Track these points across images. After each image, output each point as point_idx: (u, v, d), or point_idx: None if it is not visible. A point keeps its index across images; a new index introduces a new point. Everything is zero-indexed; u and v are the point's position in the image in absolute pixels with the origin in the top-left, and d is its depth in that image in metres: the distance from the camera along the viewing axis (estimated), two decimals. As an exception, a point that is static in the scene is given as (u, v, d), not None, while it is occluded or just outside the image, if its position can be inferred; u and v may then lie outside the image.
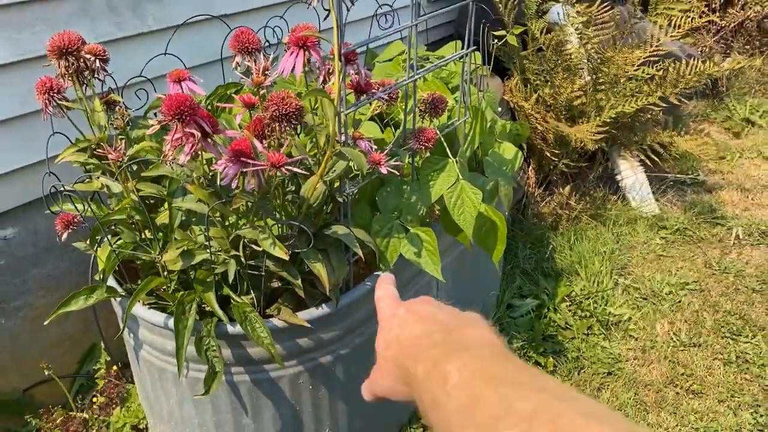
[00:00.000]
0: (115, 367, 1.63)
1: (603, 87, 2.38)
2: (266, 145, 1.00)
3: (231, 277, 1.11)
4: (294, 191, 1.15)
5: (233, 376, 1.20)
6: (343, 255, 1.18)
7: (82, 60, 1.10)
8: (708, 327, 1.99)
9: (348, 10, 0.97)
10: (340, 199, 1.15)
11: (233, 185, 0.99)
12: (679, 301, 2.10)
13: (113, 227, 1.24)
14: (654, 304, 2.09)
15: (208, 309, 1.14)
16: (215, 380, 1.10)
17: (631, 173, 2.62)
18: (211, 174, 1.07)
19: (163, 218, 1.18)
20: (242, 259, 1.10)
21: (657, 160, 2.64)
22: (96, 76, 1.13)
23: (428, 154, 1.29)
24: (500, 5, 2.30)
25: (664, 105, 2.37)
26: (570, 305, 2.07)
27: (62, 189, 1.14)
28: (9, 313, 1.52)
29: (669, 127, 2.65)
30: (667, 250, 2.37)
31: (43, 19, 1.38)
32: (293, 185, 1.15)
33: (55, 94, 1.10)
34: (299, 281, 1.11)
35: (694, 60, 2.34)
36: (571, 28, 2.34)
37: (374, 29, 1.21)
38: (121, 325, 1.20)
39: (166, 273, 1.18)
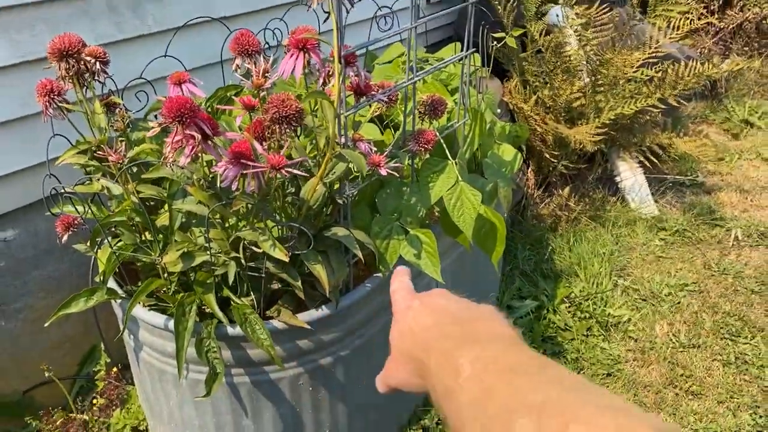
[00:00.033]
0: (115, 369, 1.64)
1: (602, 89, 2.39)
2: (266, 147, 1.00)
3: (231, 279, 1.11)
4: (294, 193, 1.15)
5: (233, 377, 1.20)
6: (343, 257, 1.18)
7: (82, 62, 1.10)
8: (707, 328, 1.99)
9: (348, 12, 0.97)
10: (340, 201, 1.15)
11: (233, 187, 0.99)
12: (679, 303, 2.10)
13: (113, 229, 1.24)
14: (653, 305, 2.09)
15: (208, 311, 1.14)
16: (216, 382, 1.10)
17: (630, 174, 2.63)
18: (211, 176, 1.08)
19: (163, 220, 1.18)
20: (242, 261, 1.11)
21: (656, 161, 2.65)
22: (96, 78, 1.13)
23: (428, 155, 1.30)
24: (499, 7, 2.30)
25: (663, 106, 2.37)
26: (569, 306, 2.07)
27: (63, 191, 1.15)
28: (9, 314, 1.52)
29: (668, 128, 2.65)
30: (667, 251, 2.37)
31: (42, 21, 1.38)
32: (293, 187, 1.16)
33: (55, 97, 1.10)
34: (299, 283, 1.11)
35: (692, 62, 2.34)
36: (570, 29, 2.34)
37: (374, 31, 1.22)
38: (122, 327, 1.20)
39: (166, 275, 1.18)
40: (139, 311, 1.18)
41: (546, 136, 2.41)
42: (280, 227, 1.15)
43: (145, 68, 1.36)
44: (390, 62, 1.80)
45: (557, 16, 2.39)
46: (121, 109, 1.22)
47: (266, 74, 1.03)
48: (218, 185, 1.07)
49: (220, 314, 1.11)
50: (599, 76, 2.36)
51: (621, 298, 2.13)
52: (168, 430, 1.38)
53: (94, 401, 1.61)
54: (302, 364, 1.22)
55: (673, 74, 2.33)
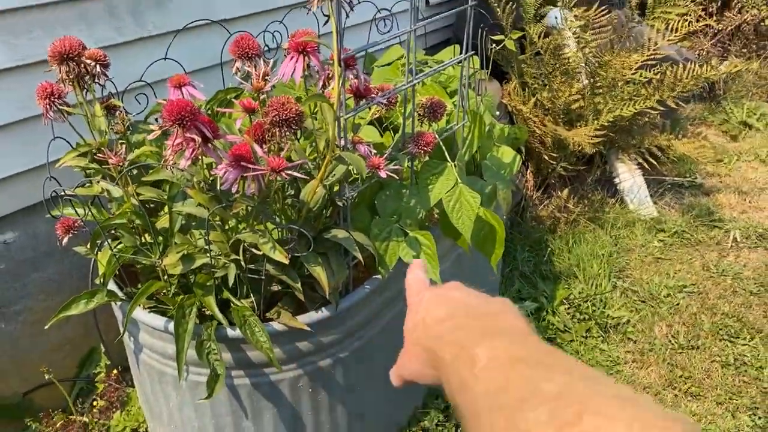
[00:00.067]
0: (115, 371, 1.64)
1: (601, 91, 2.39)
2: (266, 149, 1.01)
3: (231, 281, 1.11)
4: (294, 195, 1.15)
5: (233, 379, 1.21)
6: (343, 259, 1.19)
7: (82, 65, 1.10)
8: (706, 329, 1.99)
9: (347, 15, 0.98)
10: (340, 203, 1.15)
11: (233, 190, 1.00)
12: (677, 304, 2.11)
13: (113, 231, 1.24)
14: (652, 306, 2.10)
15: (208, 313, 1.15)
16: (218, 383, 1.10)
17: (629, 176, 2.63)
18: (211, 178, 1.08)
19: (163, 222, 1.19)
20: (242, 263, 1.11)
21: (655, 163, 2.65)
22: (96, 81, 1.14)
23: (427, 158, 1.30)
24: (498, 10, 2.31)
25: (662, 108, 2.38)
26: (568, 308, 2.08)
27: (63, 193, 1.15)
28: (9, 317, 1.52)
29: (666, 130, 2.66)
30: (665, 252, 2.38)
31: (41, 25, 1.38)
32: (293, 189, 1.16)
33: (55, 99, 1.10)
34: (299, 285, 1.12)
35: (691, 64, 2.35)
36: (568, 32, 2.35)
37: (373, 33, 1.22)
38: (122, 329, 1.21)
39: (166, 277, 1.18)
40: (140, 313, 1.19)
41: (545, 138, 2.41)
42: (280, 229, 1.15)
43: (145, 71, 1.37)
44: (389, 65, 1.81)
45: (556, 18, 2.40)
46: (121, 111, 1.22)
47: (266, 77, 1.03)
48: (218, 188, 1.07)
49: (220, 316, 1.12)
50: (598, 78, 2.37)
51: (620, 299, 2.13)
52: (168, 432, 1.38)
53: (94, 403, 1.61)
54: (302, 366, 1.23)
55: (671, 76, 2.34)
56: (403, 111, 1.27)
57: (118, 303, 1.24)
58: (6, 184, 1.44)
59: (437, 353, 0.43)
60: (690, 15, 2.74)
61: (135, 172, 1.20)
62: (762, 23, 3.76)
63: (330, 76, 1.07)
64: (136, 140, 1.27)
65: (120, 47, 1.53)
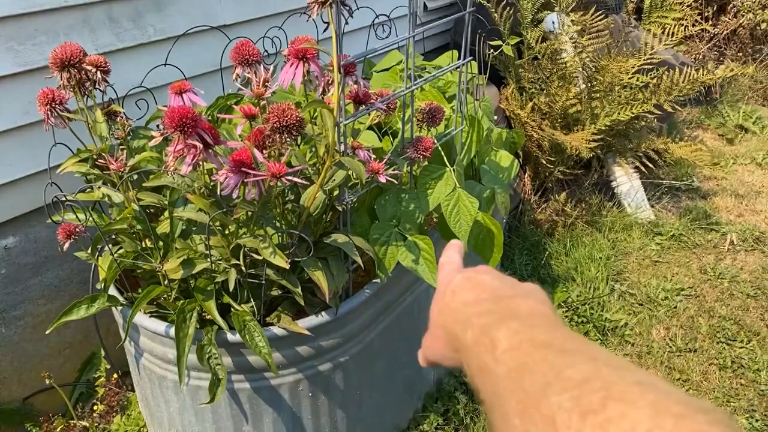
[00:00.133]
0: (115, 375, 1.64)
1: (598, 95, 2.41)
2: (266, 155, 1.02)
3: (231, 286, 1.12)
4: (294, 200, 1.16)
5: (233, 383, 1.21)
6: (343, 263, 1.19)
7: (83, 72, 1.11)
8: (703, 332, 2.00)
9: (346, 22, 0.99)
10: (340, 208, 1.16)
11: (234, 195, 1.00)
12: (675, 307, 2.12)
13: (114, 236, 1.25)
14: (650, 309, 2.11)
15: (208, 317, 1.15)
16: (219, 388, 1.11)
17: (626, 180, 2.64)
18: (211, 184, 1.09)
19: (163, 227, 1.19)
20: (242, 268, 1.12)
21: (652, 166, 2.67)
22: (97, 86, 1.14)
23: (426, 162, 1.31)
24: (496, 15, 2.32)
25: (659, 112, 2.40)
26: (566, 311, 2.09)
27: (64, 199, 1.16)
28: (9, 322, 1.52)
29: (663, 134, 2.67)
30: (663, 256, 2.39)
31: (43, 31, 1.39)
32: (293, 194, 1.17)
33: (57, 106, 1.11)
34: (299, 289, 1.12)
35: (687, 68, 2.37)
36: (566, 36, 2.36)
37: (372, 38, 1.23)
38: (123, 335, 1.21)
39: (166, 282, 1.19)
40: (140, 318, 1.19)
41: (542, 142, 2.43)
42: (280, 234, 1.16)
43: (145, 77, 1.38)
44: (387, 69, 1.82)
45: (553, 23, 2.41)
46: (121, 117, 1.23)
47: (266, 84, 1.04)
48: (219, 193, 1.08)
49: (220, 321, 1.12)
50: (595, 83, 2.38)
51: (618, 302, 2.14)
52: (168, 437, 1.38)
53: (94, 408, 1.62)
54: (302, 370, 1.23)
55: (668, 80, 2.35)
56: (402, 116, 1.28)
57: (119, 308, 1.24)
58: (7, 189, 1.45)
59: (459, 337, 0.43)
60: (686, 19, 2.76)
61: (135, 177, 1.21)
62: (757, 27, 3.79)
63: (329, 81, 1.08)
64: (137, 146, 1.28)
65: (120, 53, 1.53)
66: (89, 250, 1.22)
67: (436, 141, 1.29)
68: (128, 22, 1.53)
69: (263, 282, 1.12)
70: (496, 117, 2.10)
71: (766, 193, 2.81)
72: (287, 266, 1.03)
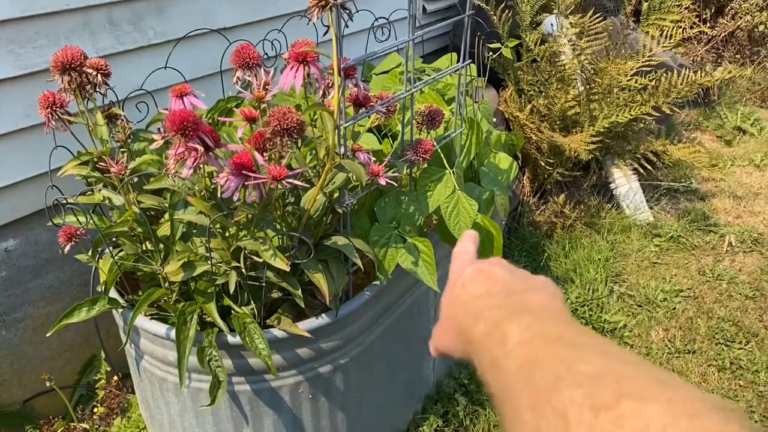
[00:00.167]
0: (115, 378, 1.64)
1: (596, 97, 2.41)
2: (267, 157, 1.02)
3: (232, 288, 1.12)
4: (294, 203, 1.16)
5: (234, 386, 1.21)
6: (343, 265, 1.20)
7: (84, 75, 1.12)
8: (702, 334, 2.01)
9: (346, 25, 0.99)
10: (340, 210, 1.16)
11: (235, 197, 1.01)
12: (674, 308, 2.12)
13: (115, 239, 1.25)
14: (649, 311, 2.11)
15: (209, 320, 1.16)
16: (220, 390, 1.11)
17: (624, 181, 2.65)
18: (212, 186, 1.09)
19: (164, 230, 1.20)
20: (243, 270, 1.12)
21: (650, 168, 2.68)
22: (98, 89, 1.15)
23: (426, 165, 1.31)
24: (495, 18, 2.33)
25: (657, 114, 2.40)
26: (566, 313, 2.09)
27: (65, 201, 1.16)
28: (10, 324, 1.52)
29: (662, 135, 2.68)
30: (661, 257, 2.40)
31: (44, 34, 1.39)
32: (293, 197, 1.17)
33: (57, 109, 1.12)
34: (299, 291, 1.12)
35: (685, 70, 2.37)
36: (564, 39, 2.37)
37: (371, 41, 1.24)
38: (124, 338, 1.21)
39: (167, 284, 1.19)
40: (141, 321, 1.19)
41: (541, 144, 2.43)
42: (280, 237, 1.16)
43: (145, 80, 1.38)
44: (387, 72, 1.82)
45: (552, 25, 2.42)
46: (122, 120, 1.24)
47: (267, 87, 1.04)
48: (219, 196, 1.08)
49: (221, 323, 1.12)
50: (593, 85, 2.39)
51: (617, 304, 2.14)
52: (168, 439, 1.39)
53: (95, 410, 1.62)
54: (302, 372, 1.23)
55: (666, 82, 2.36)
56: (401, 119, 1.29)
57: (120, 310, 1.25)
58: (8, 192, 1.45)
59: (469, 329, 0.43)
60: (684, 22, 2.77)
61: (136, 180, 1.21)
62: (755, 29, 3.80)
63: (330, 84, 1.09)
64: (137, 148, 1.28)
65: (121, 56, 1.54)
66: (90, 253, 1.22)
67: (435, 143, 1.29)
68: (128, 25, 1.53)
69: (263, 284, 1.12)
70: (495, 119, 2.11)
71: (764, 195, 2.81)
72: (288, 268, 1.03)
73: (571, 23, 2.35)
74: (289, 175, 0.97)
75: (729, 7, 3.85)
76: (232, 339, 1.15)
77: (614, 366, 0.32)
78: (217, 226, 1.12)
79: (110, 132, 1.21)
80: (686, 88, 2.33)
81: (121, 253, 1.22)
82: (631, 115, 2.35)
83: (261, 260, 1.06)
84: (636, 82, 2.38)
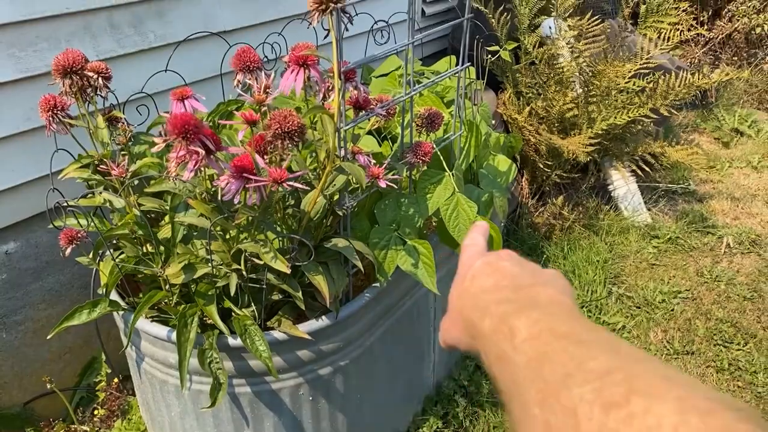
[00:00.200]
0: (116, 380, 1.64)
1: (594, 99, 2.42)
2: (267, 160, 1.03)
3: (232, 291, 1.12)
4: (294, 205, 1.17)
5: (235, 388, 1.22)
6: (343, 267, 1.20)
7: (85, 78, 1.12)
8: (700, 335, 2.02)
9: (346, 29, 1.00)
10: (340, 213, 1.17)
11: (235, 200, 1.01)
12: (672, 310, 2.13)
13: (115, 242, 1.26)
14: (647, 312, 2.12)
15: (209, 322, 1.16)
16: (220, 392, 1.11)
17: (623, 183, 2.66)
18: (213, 189, 1.10)
19: (165, 233, 1.20)
20: (243, 273, 1.12)
21: (648, 170, 2.68)
22: (99, 93, 1.15)
23: (425, 167, 1.32)
24: (493, 21, 2.34)
25: (655, 116, 2.41)
26: (565, 314, 2.09)
27: (66, 204, 1.16)
28: (10, 326, 1.53)
29: (660, 137, 2.69)
30: (660, 258, 2.40)
31: (45, 38, 1.40)
32: (293, 199, 1.18)
33: (58, 112, 1.12)
34: (300, 293, 1.13)
35: (683, 72, 2.38)
36: (562, 41, 2.38)
37: (371, 43, 1.25)
38: (125, 340, 1.22)
39: (168, 286, 1.20)
40: (142, 323, 1.20)
41: (539, 147, 2.44)
42: (280, 239, 1.17)
43: (146, 83, 1.39)
44: (386, 75, 1.83)
45: (550, 28, 2.43)
46: (123, 123, 1.24)
47: (267, 90, 1.05)
48: (220, 198, 1.08)
49: (221, 325, 1.13)
50: (592, 87, 2.40)
51: (615, 305, 2.15)
52: (169, 441, 1.39)
53: (95, 412, 1.62)
54: (302, 374, 1.24)
55: (664, 84, 2.37)
56: (401, 121, 1.30)
57: (121, 313, 1.25)
58: (9, 195, 1.45)
59: (475, 323, 0.43)
60: (682, 24, 2.79)
61: (137, 182, 1.21)
62: (752, 32, 3.81)
63: (330, 87, 1.09)
64: (138, 151, 1.29)
65: (121, 59, 1.54)
66: (91, 255, 1.22)
67: (435, 146, 1.30)
68: (129, 28, 1.54)
69: (264, 286, 1.13)
70: (493, 122, 2.12)
71: (761, 196, 2.83)
72: (288, 271, 1.04)
73: (569, 26, 2.36)
74: (290, 178, 0.97)
75: (726, 10, 3.86)
76: (232, 341, 1.15)
77: (624, 363, 0.32)
78: (218, 228, 1.12)
79: (111, 135, 1.22)
80: (684, 90, 2.34)
81: (122, 256, 1.23)
82: (629, 117, 2.36)
83: (261, 262, 1.07)
84: (634, 85, 2.39)
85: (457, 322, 0.48)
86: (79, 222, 1.21)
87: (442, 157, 1.35)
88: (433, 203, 1.31)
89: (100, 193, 1.21)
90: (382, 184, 1.14)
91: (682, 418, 0.27)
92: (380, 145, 1.47)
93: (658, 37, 2.46)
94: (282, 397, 1.24)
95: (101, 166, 1.17)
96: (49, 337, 1.18)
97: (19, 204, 1.48)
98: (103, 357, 1.66)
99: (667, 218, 2.66)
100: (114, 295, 1.26)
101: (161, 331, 1.18)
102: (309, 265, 1.11)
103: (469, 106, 1.59)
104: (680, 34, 2.43)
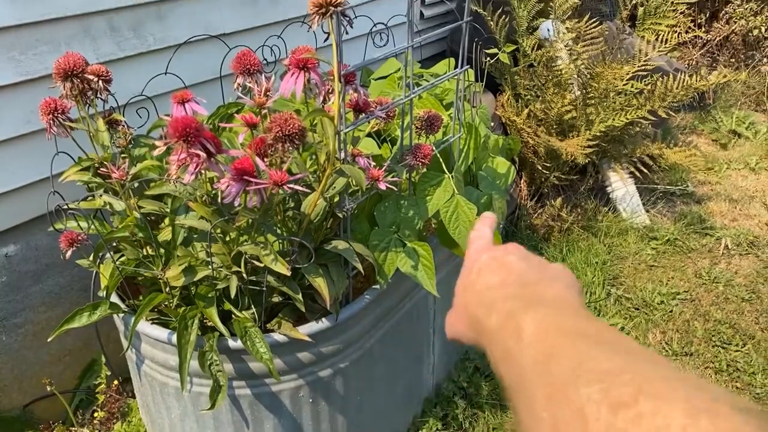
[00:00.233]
0: (116, 382, 1.65)
1: (593, 101, 2.43)
2: (268, 163, 1.03)
3: (233, 293, 1.13)
4: (294, 207, 1.17)
5: (235, 390, 1.22)
6: (343, 269, 1.21)
7: (85, 81, 1.12)
8: (699, 336, 2.02)
9: (346, 32, 1.00)
10: (340, 215, 1.17)
11: (236, 203, 1.01)
12: (671, 311, 2.13)
13: (116, 244, 1.26)
14: (646, 314, 2.12)
15: (209, 324, 1.16)
16: (220, 394, 1.11)
17: (621, 185, 2.67)
18: (213, 192, 1.10)
19: (165, 235, 1.20)
20: (244, 275, 1.13)
21: (647, 172, 2.69)
22: (99, 95, 1.16)
23: (425, 169, 1.32)
24: (492, 23, 2.34)
25: (653, 118, 2.42)
26: (564, 316, 2.10)
27: (66, 207, 1.17)
28: (10, 329, 1.53)
29: (658, 139, 2.70)
30: (658, 260, 2.41)
31: (45, 41, 1.40)
32: (293, 201, 1.18)
33: (59, 115, 1.12)
34: (300, 296, 1.13)
35: (681, 74, 2.39)
36: (561, 44, 2.39)
37: (370, 46, 1.25)
38: (125, 343, 1.22)
39: (168, 289, 1.20)
40: (142, 325, 1.20)
41: (538, 148, 2.45)
42: (281, 241, 1.17)
43: (146, 86, 1.39)
44: (385, 77, 1.84)
45: (548, 30, 2.44)
46: (123, 126, 1.24)
47: (267, 93, 1.05)
48: (220, 201, 1.09)
49: (222, 327, 1.13)
50: (590, 89, 2.41)
51: (614, 307, 2.16)
52: (169, 443, 1.39)
53: (95, 414, 1.62)
54: (302, 377, 1.24)
55: (662, 86, 2.38)
56: (401, 124, 1.30)
57: (121, 315, 1.25)
58: (9, 198, 1.45)
59: (481, 319, 0.43)
60: (679, 26, 2.79)
61: (137, 185, 1.22)
62: (750, 34, 3.83)
63: (330, 90, 1.10)
64: (138, 154, 1.29)
65: (121, 62, 1.55)
66: (91, 258, 1.23)
67: (434, 148, 1.30)
68: (129, 31, 1.54)
69: (264, 289, 1.13)
70: (492, 124, 2.12)
71: (759, 198, 2.83)
72: (288, 273, 1.04)
73: (567, 28, 2.37)
74: (290, 180, 0.98)
75: (724, 12, 3.87)
76: (233, 343, 1.15)
77: (631, 362, 0.31)
78: (218, 231, 1.12)
79: (111, 138, 1.22)
80: (682, 92, 2.35)
81: (122, 258, 1.23)
82: (628, 119, 2.36)
83: (262, 265, 1.07)
84: (632, 87, 2.40)
85: (462, 317, 0.48)
86: (79, 225, 1.22)
87: (441, 160, 1.35)
88: (432, 205, 1.31)
89: (101, 195, 1.21)
90: (382, 186, 1.14)
91: (691, 419, 0.26)
92: (380, 148, 1.48)
93: (656, 39, 2.46)
94: (282, 399, 1.24)
95: (102, 168, 1.18)
96: (49, 340, 1.19)
97: (20, 207, 1.48)
98: (103, 359, 1.66)
99: (666, 220, 2.66)
100: (114, 298, 1.26)
101: (162, 333, 1.18)
102: (309, 268, 1.11)
103: (468, 108, 1.60)
104: (678, 36, 2.44)
